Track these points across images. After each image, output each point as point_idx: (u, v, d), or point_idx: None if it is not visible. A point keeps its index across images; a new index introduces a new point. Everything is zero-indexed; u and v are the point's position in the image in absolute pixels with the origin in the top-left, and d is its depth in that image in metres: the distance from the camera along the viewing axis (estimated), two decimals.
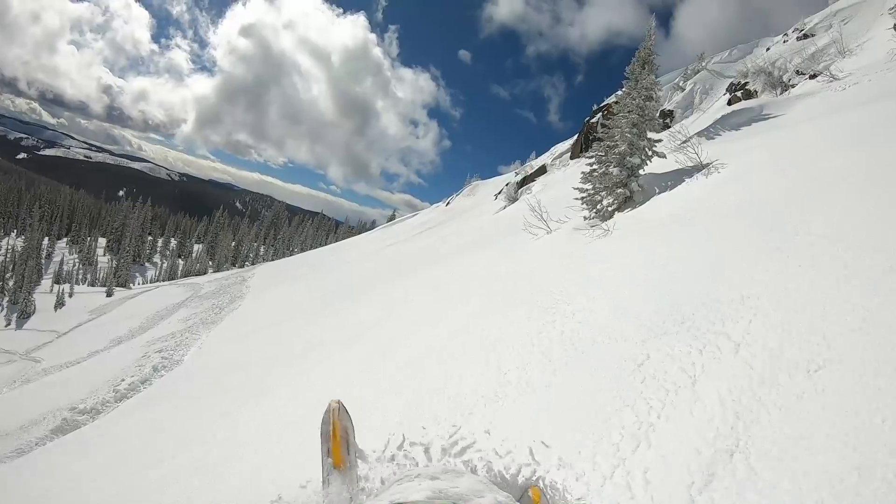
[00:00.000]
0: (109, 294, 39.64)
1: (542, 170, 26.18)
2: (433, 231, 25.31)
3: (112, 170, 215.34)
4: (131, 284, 47.24)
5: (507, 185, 26.95)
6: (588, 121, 24.63)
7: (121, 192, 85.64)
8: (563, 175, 22.49)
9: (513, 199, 23.08)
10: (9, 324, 35.99)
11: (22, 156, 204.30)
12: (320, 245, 53.37)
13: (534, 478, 2.22)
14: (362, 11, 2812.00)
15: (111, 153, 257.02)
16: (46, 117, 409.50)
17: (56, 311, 37.09)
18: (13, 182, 68.17)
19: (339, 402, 1.96)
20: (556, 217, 10.83)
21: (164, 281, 47.32)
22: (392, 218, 49.79)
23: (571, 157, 25.17)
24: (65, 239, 58.54)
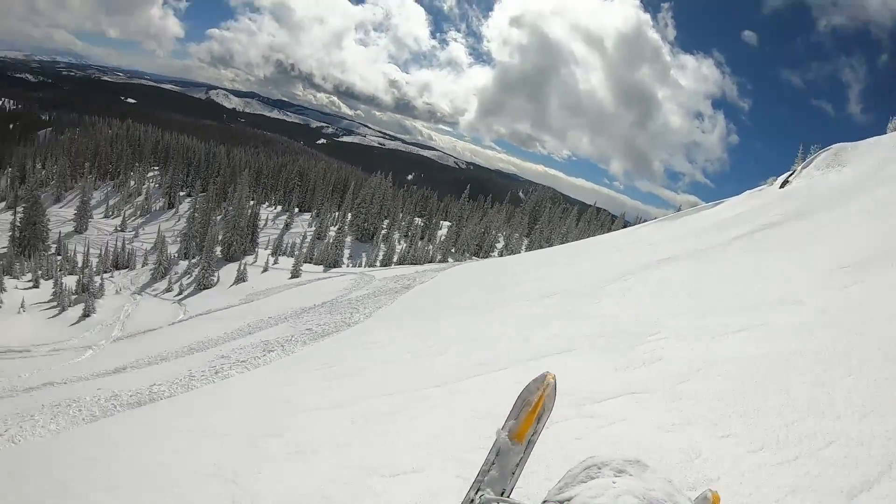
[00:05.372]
0: (294, 275, 34.07)
1: None
2: (773, 236, 9.06)
3: (403, 156, 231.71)
4: (345, 264, 42.93)
5: None
6: None
7: (410, 177, 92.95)
8: None
9: None
10: (179, 293, 34.38)
11: (322, 141, 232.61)
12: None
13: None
14: None
15: (403, 141, 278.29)
16: (345, 109, 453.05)
17: (231, 287, 34.06)
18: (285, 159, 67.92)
19: (555, 377, 1.84)
20: None
21: (370, 267, 41.60)
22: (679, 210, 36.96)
23: None
24: (311, 213, 57.67)
